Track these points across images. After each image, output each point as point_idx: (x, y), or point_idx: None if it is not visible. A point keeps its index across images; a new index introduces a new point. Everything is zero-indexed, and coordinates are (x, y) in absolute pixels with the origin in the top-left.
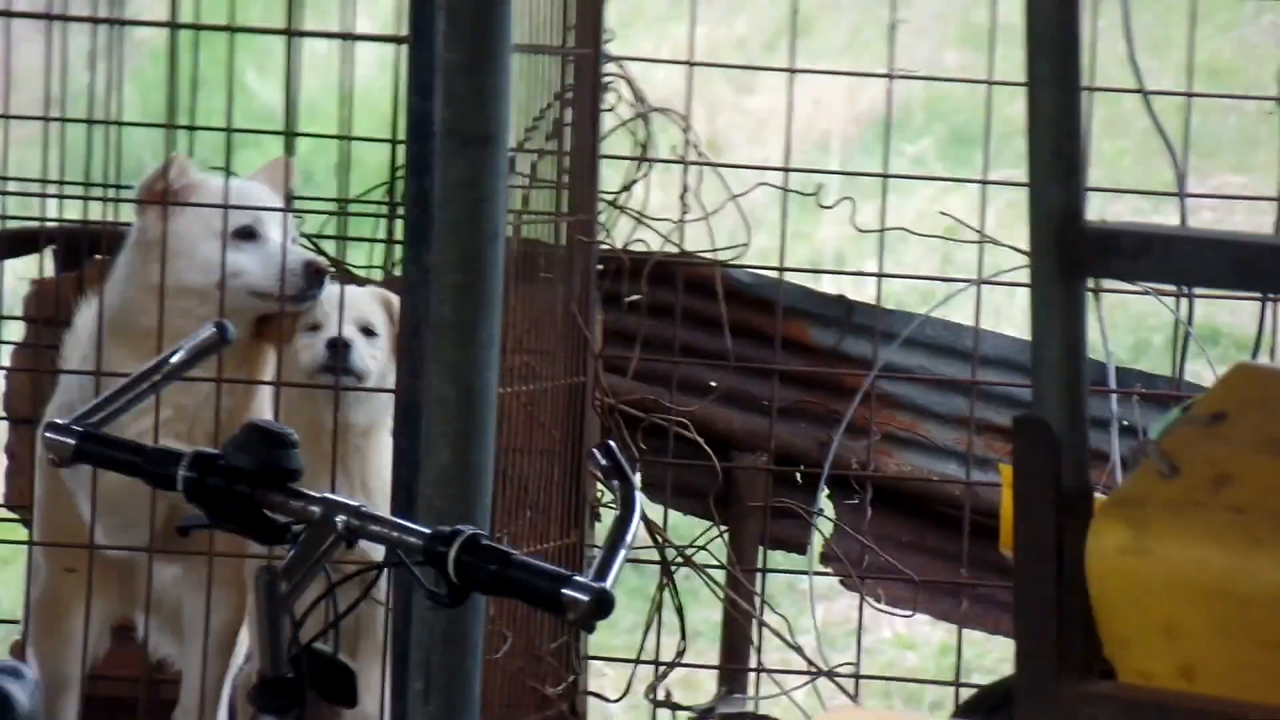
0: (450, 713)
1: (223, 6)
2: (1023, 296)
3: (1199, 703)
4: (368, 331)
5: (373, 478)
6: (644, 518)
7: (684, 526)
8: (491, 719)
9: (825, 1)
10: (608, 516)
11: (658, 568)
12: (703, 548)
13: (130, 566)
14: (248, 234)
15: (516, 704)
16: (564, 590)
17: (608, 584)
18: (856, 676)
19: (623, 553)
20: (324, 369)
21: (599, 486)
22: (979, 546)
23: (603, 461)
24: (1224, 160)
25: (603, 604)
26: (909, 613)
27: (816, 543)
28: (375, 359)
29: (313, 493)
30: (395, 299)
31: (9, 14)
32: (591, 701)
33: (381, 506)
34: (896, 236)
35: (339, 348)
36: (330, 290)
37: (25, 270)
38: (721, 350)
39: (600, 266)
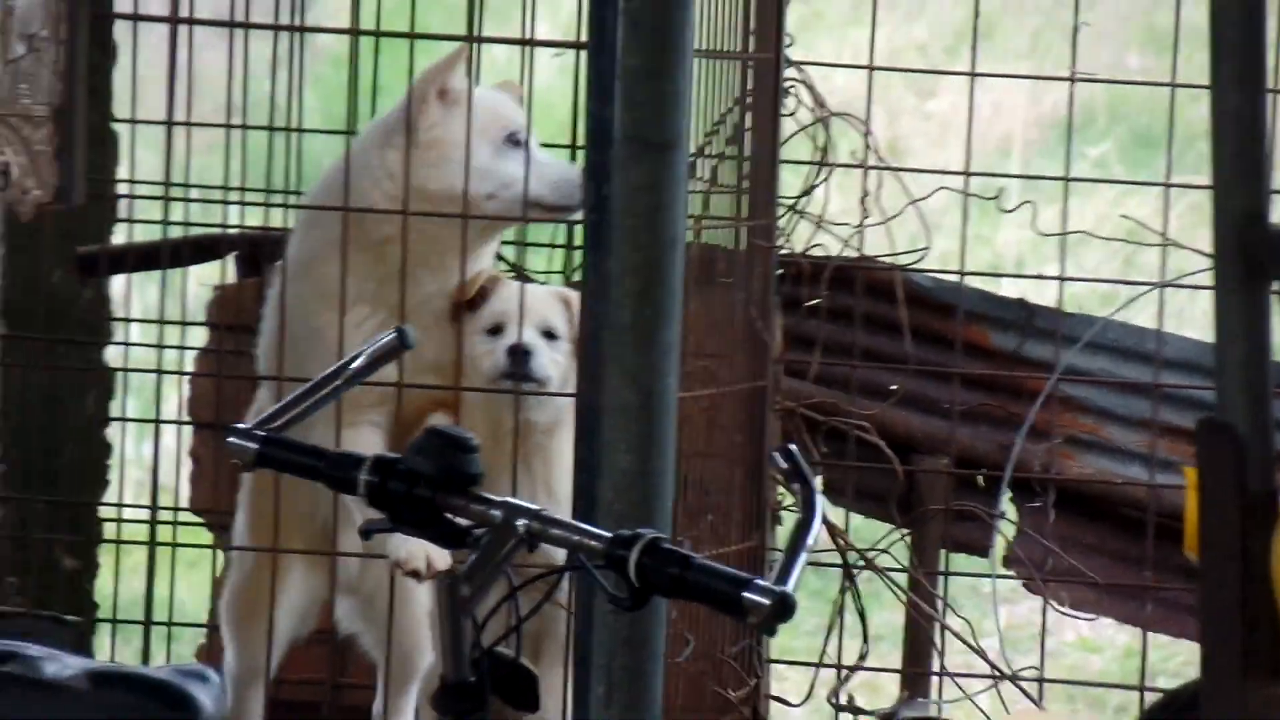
0: (632, 716)
1: (404, 13)
2: (1206, 299)
3: None
4: (549, 334)
5: (556, 479)
6: (825, 521)
7: (865, 529)
8: None
9: (1007, 4)
10: (788, 520)
11: (839, 571)
12: (884, 551)
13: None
14: (515, 142)
15: (698, 707)
16: (745, 593)
17: (789, 587)
18: (1040, 680)
19: (804, 556)
20: (506, 375)
21: (779, 490)
22: (1163, 549)
23: (783, 465)
24: None
25: (784, 607)
26: (1092, 616)
27: (999, 546)
28: (557, 363)
29: (493, 496)
30: (575, 297)
31: (192, 21)
32: (773, 705)
33: (567, 507)
34: (1078, 239)
35: (519, 355)
36: (510, 290)
37: (208, 276)
38: (902, 354)
39: (780, 271)
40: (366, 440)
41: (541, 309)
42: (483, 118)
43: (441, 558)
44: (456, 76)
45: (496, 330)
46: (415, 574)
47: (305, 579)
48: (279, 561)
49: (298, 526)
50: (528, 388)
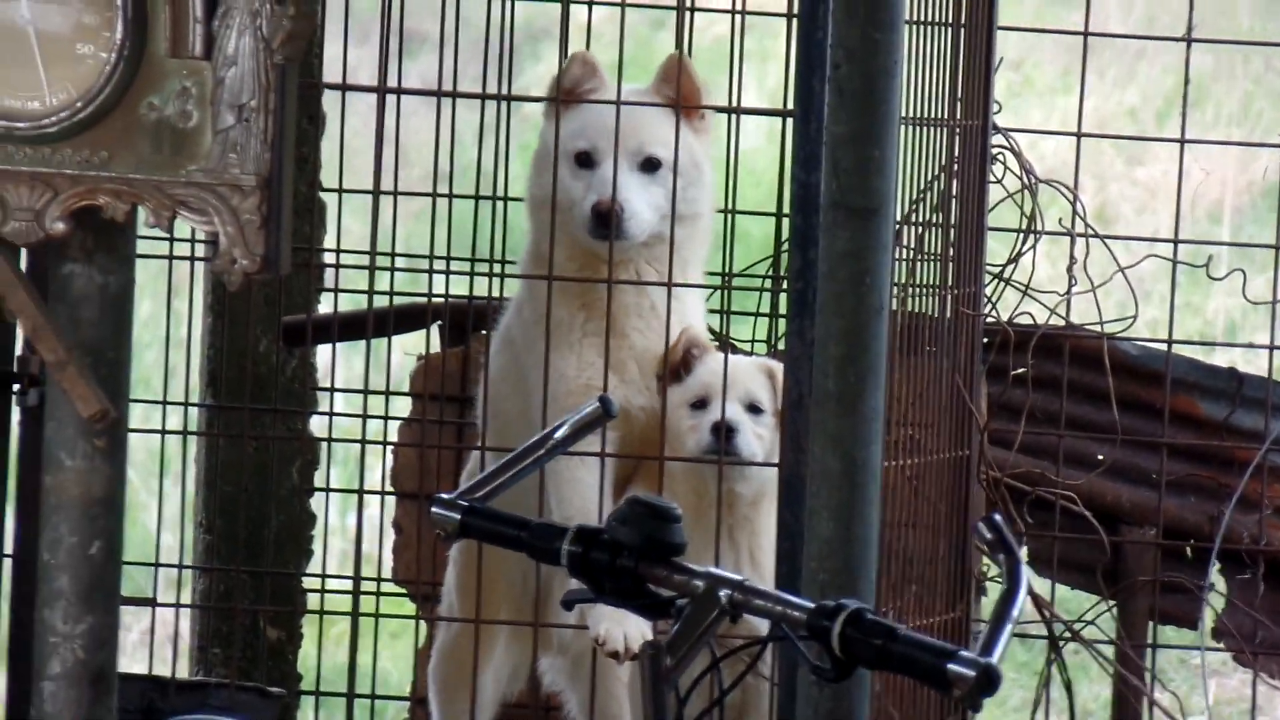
0: None
1: (611, 81)
2: None
3: None
4: (753, 408)
5: (761, 549)
6: (1030, 592)
7: (1071, 600)
8: None
9: (1218, 70)
10: (993, 590)
11: (1045, 643)
12: (1091, 623)
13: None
14: (586, 160)
15: None
16: (950, 665)
17: (994, 659)
18: None
19: (1009, 627)
20: (710, 452)
21: (984, 560)
22: None
23: (988, 535)
24: None
25: (989, 679)
26: None
27: (1208, 618)
28: (761, 438)
29: (696, 566)
30: (779, 368)
31: (400, 90)
32: None
33: (769, 579)
34: None
35: (725, 433)
36: (715, 362)
37: (413, 345)
38: (1109, 423)
39: (986, 339)
40: (589, 475)
41: (746, 381)
42: (568, 131)
43: (640, 637)
44: (585, 77)
45: (701, 404)
46: (614, 655)
47: (512, 644)
48: (486, 627)
49: (505, 592)
50: (722, 449)
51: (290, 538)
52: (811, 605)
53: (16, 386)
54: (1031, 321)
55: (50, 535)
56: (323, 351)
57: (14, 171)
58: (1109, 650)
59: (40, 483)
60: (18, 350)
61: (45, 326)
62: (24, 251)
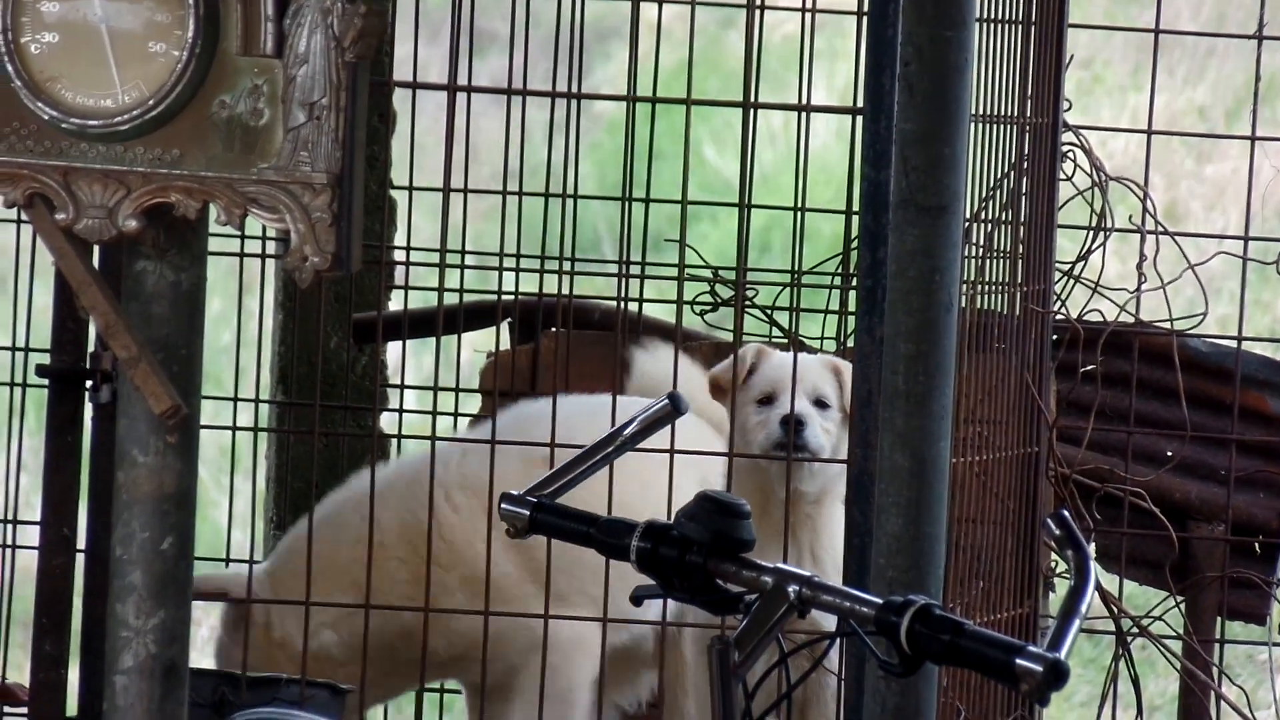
0: None
1: (681, 79)
2: None
3: None
4: (820, 403)
5: (823, 547)
6: (1098, 587)
7: (1139, 596)
8: None
9: None
10: (1061, 586)
11: (1112, 638)
12: (1159, 618)
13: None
14: (767, 400)
15: None
16: (1018, 660)
17: (1062, 654)
18: None
19: (1077, 623)
20: (778, 445)
21: (1052, 556)
22: None
23: (1056, 531)
24: None
25: (1057, 674)
26: None
27: (1276, 613)
28: (828, 432)
29: (765, 562)
30: (845, 365)
31: (470, 89)
32: None
33: (830, 576)
34: None
35: (792, 425)
36: (781, 360)
37: (483, 343)
38: (1178, 420)
39: (1055, 336)
40: None
41: (813, 378)
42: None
43: None
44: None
45: (768, 400)
46: None
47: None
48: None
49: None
50: (799, 456)
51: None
52: (880, 601)
53: (89, 383)
54: (1101, 318)
55: (122, 531)
56: (393, 349)
57: (87, 169)
58: (1176, 646)
59: (113, 478)
60: (91, 347)
61: (118, 323)
62: (96, 249)
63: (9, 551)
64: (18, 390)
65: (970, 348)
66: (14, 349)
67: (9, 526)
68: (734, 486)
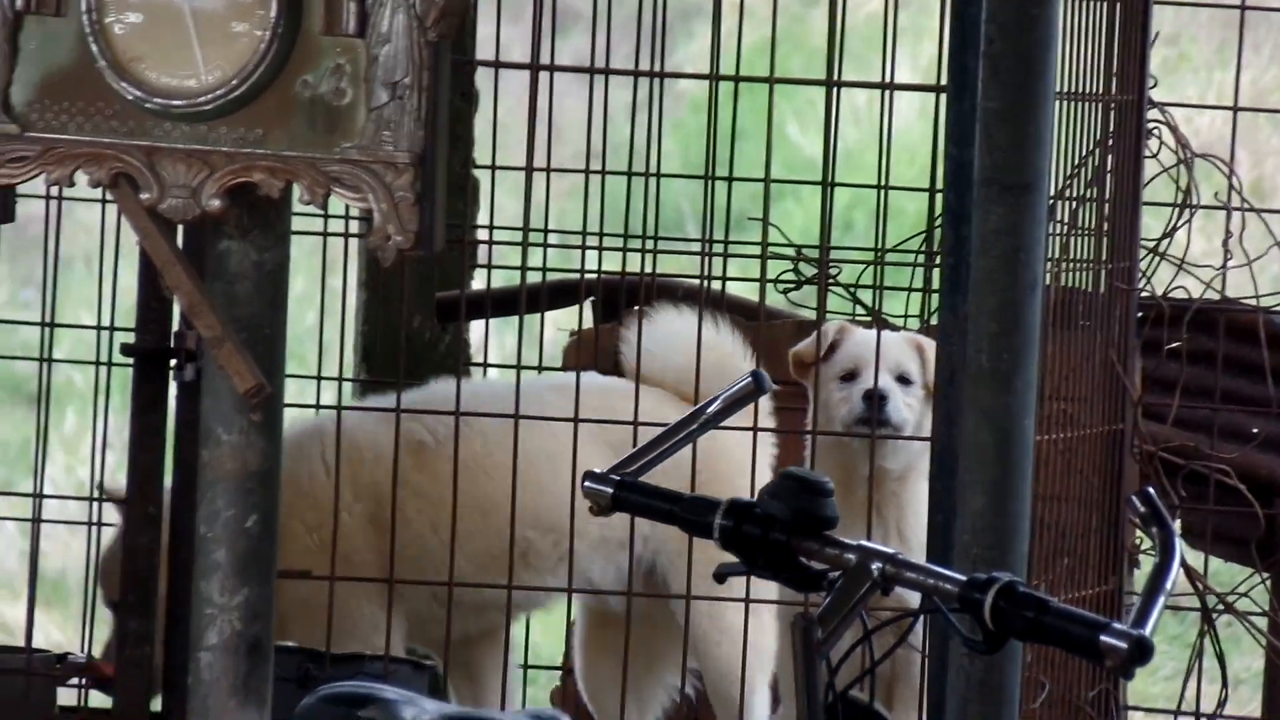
0: None
1: (764, 57)
2: None
3: None
4: (903, 380)
5: (908, 525)
6: (1183, 564)
7: (1224, 573)
8: None
9: None
10: (1146, 563)
11: (1198, 615)
12: (1244, 595)
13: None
14: (849, 376)
15: None
16: (1102, 637)
17: (1147, 631)
18: None
19: (1162, 599)
20: (860, 421)
21: (1137, 533)
22: None
23: (1141, 508)
24: None
25: (1142, 651)
26: None
27: None
28: (911, 408)
29: (848, 540)
30: (929, 343)
31: (553, 68)
32: None
33: (916, 554)
34: None
35: (875, 400)
36: (863, 336)
37: (566, 321)
38: (1263, 396)
39: (1140, 314)
40: None
41: (895, 354)
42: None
43: None
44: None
45: (851, 376)
46: None
47: None
48: None
49: None
50: (883, 432)
51: None
52: (963, 578)
53: (174, 362)
54: (1186, 296)
55: (207, 509)
56: (475, 327)
57: (171, 149)
58: (1262, 622)
59: (197, 457)
60: (175, 326)
61: (202, 303)
62: (181, 229)
63: (95, 529)
64: (103, 369)
65: (1055, 325)
66: (99, 328)
67: (95, 505)
68: (816, 464)
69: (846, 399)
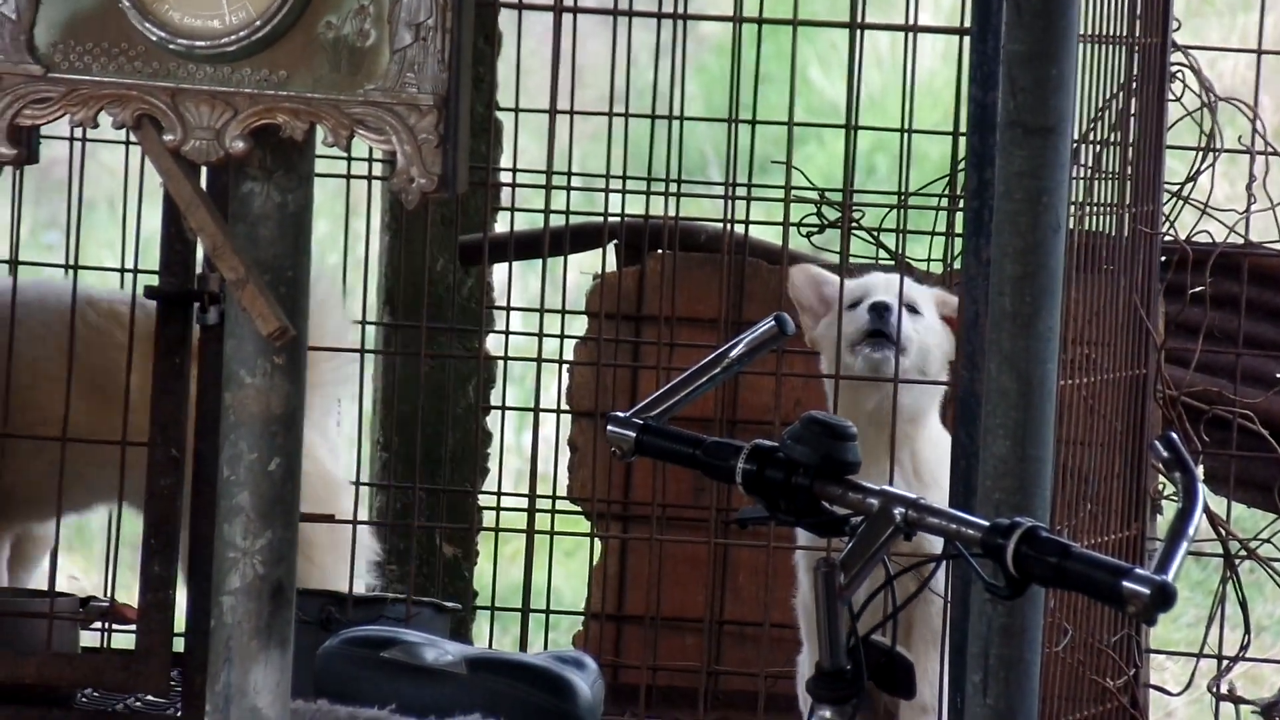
0: (1009, 705)
1: (787, 0)
2: None
3: None
4: (911, 310)
5: (922, 466)
6: (1206, 510)
7: (1247, 518)
8: (1050, 712)
9: None
10: (1169, 509)
11: (1220, 561)
12: (1267, 540)
13: None
14: (856, 303)
15: (1075, 697)
16: (1124, 583)
17: (1169, 576)
18: None
19: (1184, 545)
20: (868, 335)
21: (1160, 479)
22: None
23: (1164, 453)
24: None
25: (1164, 597)
26: None
27: None
28: (917, 332)
29: (871, 485)
30: (951, 298)
31: (576, 10)
32: (1153, 695)
33: (936, 495)
34: None
35: (881, 311)
36: (875, 274)
37: (589, 265)
38: None
39: (1163, 258)
40: None
41: (906, 288)
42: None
43: None
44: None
45: (858, 303)
46: None
47: None
48: None
49: None
50: (890, 354)
51: (466, 455)
52: (986, 524)
53: (197, 305)
54: (1210, 240)
55: (230, 452)
56: (499, 270)
57: (194, 90)
58: None
59: (220, 400)
60: (198, 269)
61: (225, 245)
62: (204, 170)
63: (118, 473)
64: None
65: (1078, 269)
66: (123, 270)
67: (119, 449)
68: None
69: (853, 318)
